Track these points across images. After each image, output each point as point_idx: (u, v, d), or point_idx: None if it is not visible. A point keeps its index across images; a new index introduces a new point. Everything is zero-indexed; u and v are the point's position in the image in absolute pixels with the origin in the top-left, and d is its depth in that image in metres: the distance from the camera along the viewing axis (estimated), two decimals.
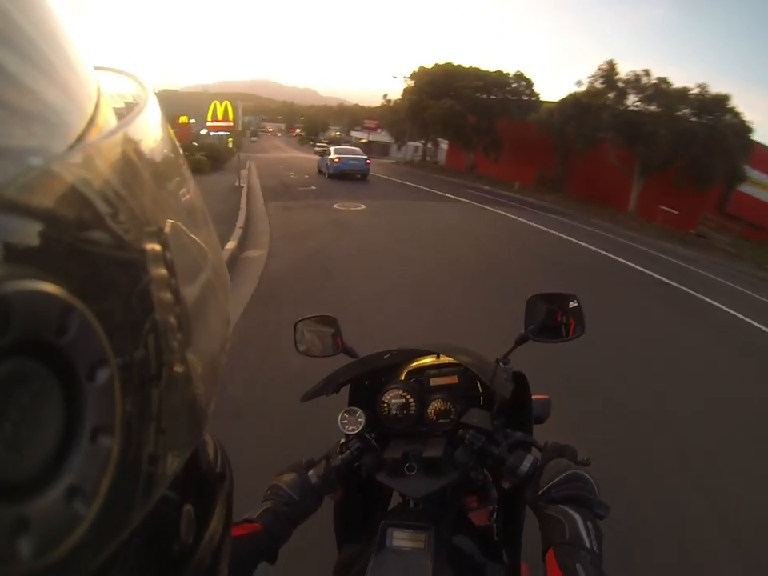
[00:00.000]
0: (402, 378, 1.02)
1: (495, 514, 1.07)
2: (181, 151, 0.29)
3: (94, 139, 0.20)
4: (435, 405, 0.93)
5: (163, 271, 0.22)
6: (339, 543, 1.00)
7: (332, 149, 18.92)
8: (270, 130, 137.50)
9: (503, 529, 1.02)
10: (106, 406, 0.18)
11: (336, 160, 17.79)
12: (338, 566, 0.89)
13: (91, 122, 0.21)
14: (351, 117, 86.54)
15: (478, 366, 0.91)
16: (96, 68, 0.25)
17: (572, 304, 0.96)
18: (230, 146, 36.16)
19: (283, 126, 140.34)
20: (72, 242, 0.17)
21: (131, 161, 0.22)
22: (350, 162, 17.90)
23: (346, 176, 17.51)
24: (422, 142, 32.77)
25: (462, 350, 0.98)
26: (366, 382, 1.04)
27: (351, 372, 0.98)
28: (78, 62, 0.22)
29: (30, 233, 0.15)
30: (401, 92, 29.54)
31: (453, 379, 0.98)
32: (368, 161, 18.63)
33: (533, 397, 0.98)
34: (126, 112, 0.24)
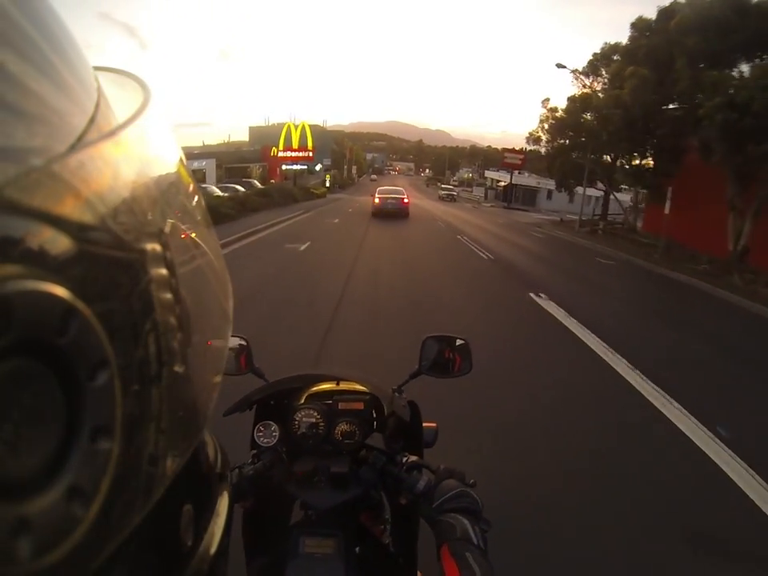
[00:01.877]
0: (303, 401, 1.09)
1: (389, 531, 1.15)
2: (181, 152, 0.29)
3: (95, 139, 0.20)
4: (342, 427, 1.02)
5: (163, 271, 0.22)
6: (248, 552, 1.05)
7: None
8: (398, 168, 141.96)
9: (400, 542, 1.11)
10: (107, 407, 0.18)
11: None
12: (251, 574, 0.97)
13: (91, 122, 0.21)
14: (485, 158, 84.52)
15: (378, 392, 1.05)
16: (96, 68, 0.25)
17: (459, 343, 1.13)
18: (327, 183, 33.86)
19: (412, 165, 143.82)
20: (73, 242, 0.17)
21: (132, 161, 0.22)
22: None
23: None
24: (604, 189, 22.11)
25: (363, 378, 1.10)
26: (272, 402, 1.11)
27: (262, 392, 1.07)
28: (78, 62, 0.22)
29: (30, 233, 0.15)
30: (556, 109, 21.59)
31: (359, 405, 1.08)
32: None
33: (423, 424, 1.11)
34: (127, 112, 0.24)
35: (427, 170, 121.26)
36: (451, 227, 18.45)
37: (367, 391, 1.07)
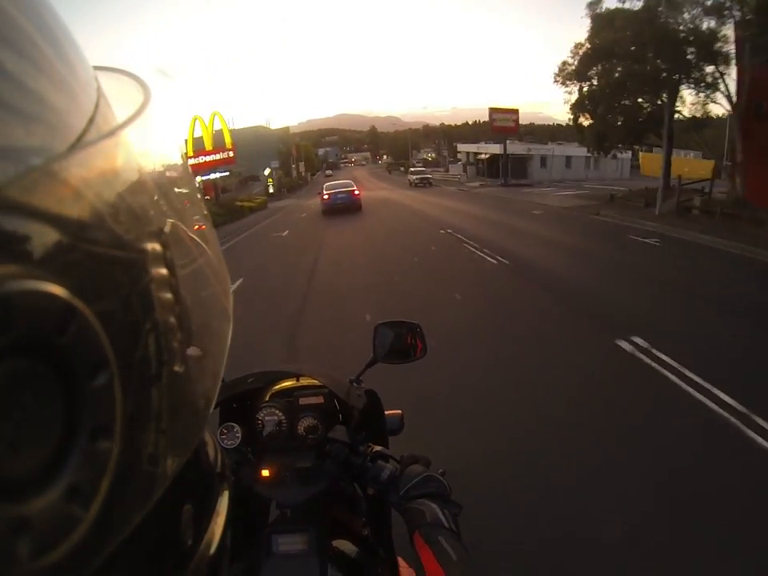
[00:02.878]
0: (267, 399, 1.10)
1: (365, 522, 1.15)
2: (183, 150, 0.29)
3: (94, 139, 0.20)
4: (305, 422, 1.03)
5: (163, 271, 0.22)
6: None
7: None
8: (354, 159, 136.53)
9: (375, 531, 1.11)
10: (106, 407, 0.18)
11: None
12: None
13: (91, 121, 0.21)
14: (444, 135, 78.13)
15: (334, 385, 1.05)
16: (96, 68, 0.25)
17: (413, 326, 1.13)
18: (270, 189, 28.33)
19: (368, 154, 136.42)
20: (72, 241, 0.17)
21: (131, 161, 0.22)
22: None
23: None
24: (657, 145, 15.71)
25: (321, 372, 1.10)
26: (234, 405, 1.11)
27: (223, 394, 1.04)
28: (78, 62, 0.22)
29: (30, 233, 0.15)
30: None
31: (319, 399, 1.08)
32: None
33: (386, 412, 1.12)
34: (127, 112, 0.24)
35: (384, 157, 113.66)
36: (460, 232, 11.42)
37: (322, 385, 1.07)
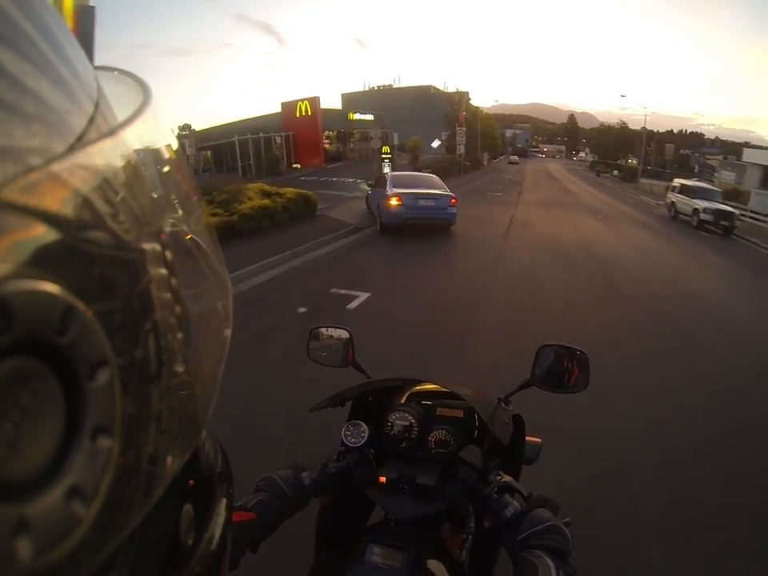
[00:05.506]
0: (404, 400, 1.06)
1: (467, 545, 1.07)
2: (182, 150, 0.29)
3: (94, 139, 0.20)
4: (437, 434, 0.96)
5: (163, 271, 0.22)
6: (317, 546, 1.03)
7: None
8: (546, 149, 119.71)
9: (475, 563, 1.03)
10: (106, 406, 0.18)
11: None
12: (315, 569, 0.93)
13: (91, 121, 0.21)
14: (658, 141, 58.83)
15: (480, 403, 0.95)
16: (96, 68, 0.25)
17: (578, 354, 1.01)
18: (385, 169, 15.96)
19: (563, 147, 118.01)
20: (72, 242, 0.17)
21: (131, 161, 0.22)
22: None
23: None
24: None
25: (466, 384, 1.02)
26: (370, 399, 1.07)
27: (360, 390, 1.01)
28: (78, 62, 0.22)
29: (30, 233, 0.15)
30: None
31: (458, 413, 1.02)
32: None
33: (526, 438, 1.03)
34: (126, 112, 0.24)
35: (582, 153, 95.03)
36: None
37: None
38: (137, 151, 0.23)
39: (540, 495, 0.84)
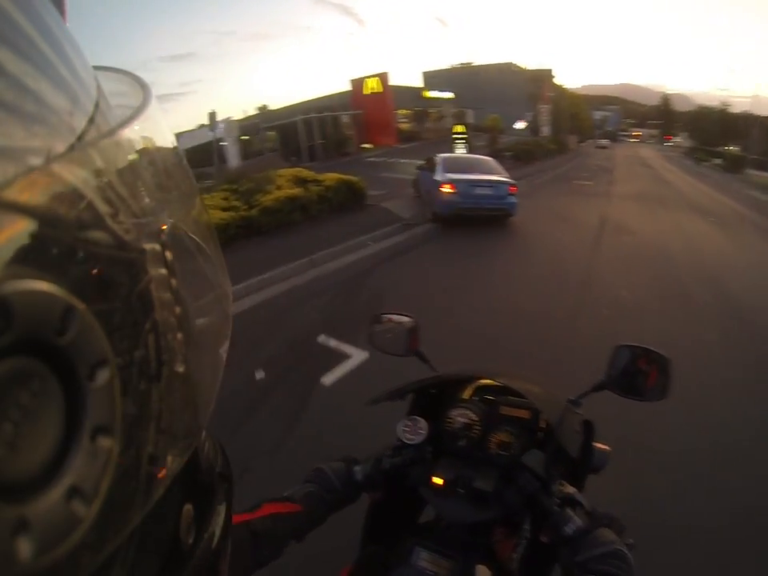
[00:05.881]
0: (467, 395, 1.02)
1: (519, 549, 0.99)
2: (181, 150, 0.29)
3: (94, 139, 0.20)
4: (499, 435, 0.92)
5: (163, 271, 0.22)
6: (363, 541, 1.01)
7: None
8: (638, 133, 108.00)
9: (526, 573, 0.97)
10: (106, 406, 0.18)
11: None
12: (359, 563, 0.91)
13: (91, 121, 0.21)
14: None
15: (548, 404, 0.91)
16: (96, 68, 0.25)
17: (660, 361, 0.94)
18: (460, 150, 15.25)
19: (655, 132, 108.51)
20: (72, 242, 0.17)
21: (131, 160, 0.22)
22: None
23: None
24: None
25: (535, 381, 0.98)
26: (433, 391, 1.04)
27: (424, 383, 0.98)
28: (78, 62, 0.22)
29: (30, 233, 0.15)
30: None
31: (524, 413, 0.96)
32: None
33: (595, 445, 0.96)
34: (126, 112, 0.24)
35: (678, 138, 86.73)
36: None
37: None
38: (137, 151, 0.23)
39: (606, 514, 0.79)
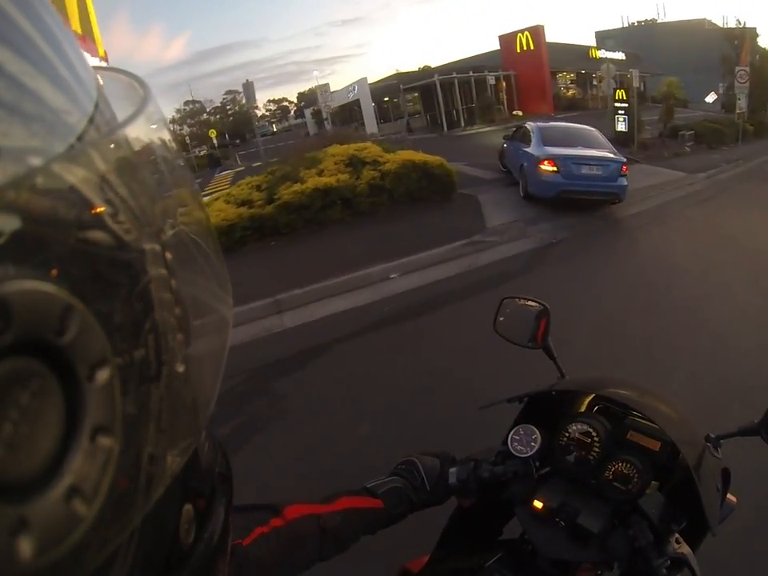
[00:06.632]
0: (586, 404, 0.90)
1: None
2: (179, 151, 0.29)
3: (94, 139, 0.20)
4: (619, 465, 0.78)
5: (163, 271, 0.22)
6: (440, 542, 0.94)
7: None
8: None
9: None
10: (106, 406, 0.18)
11: None
12: (429, 564, 0.87)
13: (91, 121, 0.21)
14: None
15: (683, 438, 0.77)
16: (96, 68, 0.25)
17: None
18: (620, 127, 12.42)
19: None
20: (72, 242, 0.17)
21: (131, 161, 0.22)
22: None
23: None
24: None
25: (671, 404, 0.85)
26: (553, 392, 0.92)
27: (550, 389, 0.89)
28: (78, 62, 0.22)
29: (30, 233, 0.15)
30: None
31: (654, 444, 0.81)
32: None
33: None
34: (126, 112, 0.24)
35: None
36: None
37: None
38: (137, 151, 0.23)
39: None
